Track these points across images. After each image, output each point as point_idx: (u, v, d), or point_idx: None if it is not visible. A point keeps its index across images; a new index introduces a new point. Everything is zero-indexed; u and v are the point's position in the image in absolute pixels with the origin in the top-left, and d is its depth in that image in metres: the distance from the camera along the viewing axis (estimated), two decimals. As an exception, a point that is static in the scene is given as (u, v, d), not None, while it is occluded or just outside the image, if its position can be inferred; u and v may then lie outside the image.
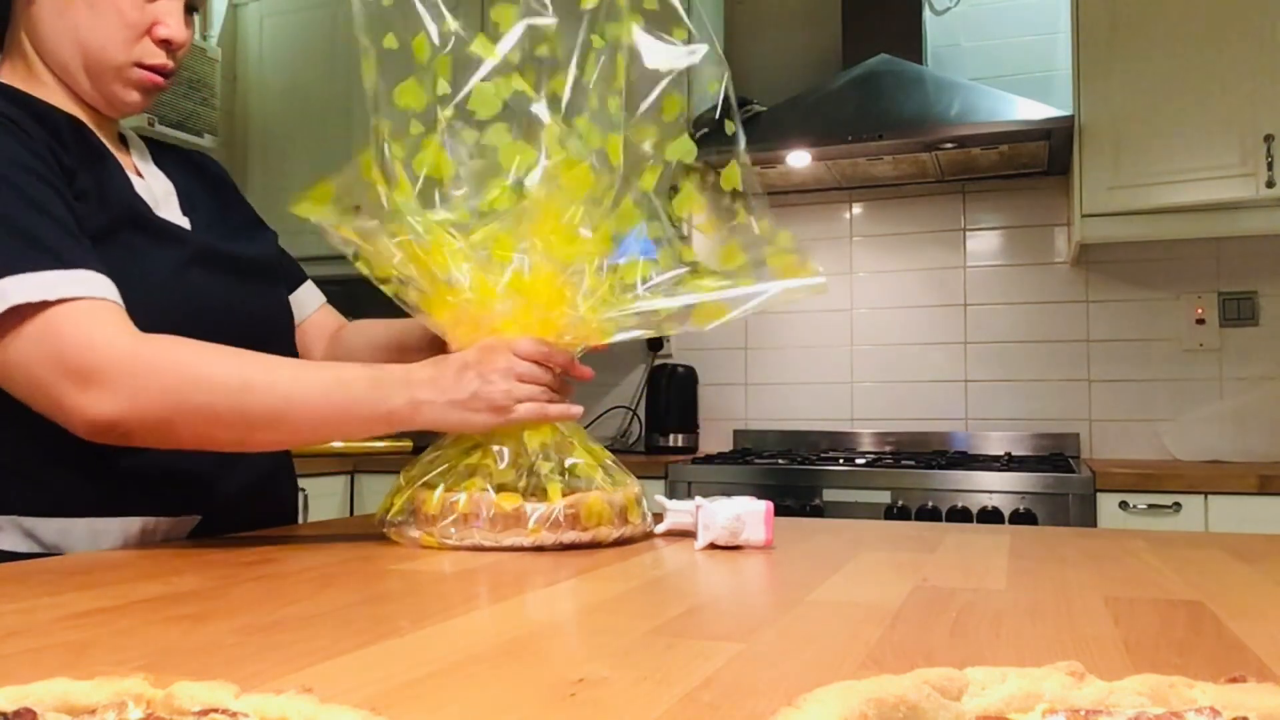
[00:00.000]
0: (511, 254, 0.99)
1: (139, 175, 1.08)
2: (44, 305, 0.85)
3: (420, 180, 1.00)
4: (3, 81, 1.01)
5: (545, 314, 1.00)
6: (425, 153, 1.01)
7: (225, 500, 1.05)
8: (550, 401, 0.98)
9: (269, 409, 0.91)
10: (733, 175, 1.03)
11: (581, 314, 1.00)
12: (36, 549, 0.95)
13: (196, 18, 1.10)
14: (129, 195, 1.01)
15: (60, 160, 0.95)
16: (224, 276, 1.07)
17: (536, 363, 0.98)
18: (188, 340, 0.91)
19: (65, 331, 0.85)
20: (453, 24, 1.01)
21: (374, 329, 1.27)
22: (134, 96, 1.05)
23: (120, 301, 0.91)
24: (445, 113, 1.01)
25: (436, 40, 1.01)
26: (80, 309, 0.86)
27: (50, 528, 0.95)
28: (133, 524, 0.98)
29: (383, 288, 1.04)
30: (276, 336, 1.14)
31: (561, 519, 0.94)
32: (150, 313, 0.93)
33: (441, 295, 1.00)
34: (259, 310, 1.11)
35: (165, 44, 1.04)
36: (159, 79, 1.05)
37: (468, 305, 1.00)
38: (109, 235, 0.95)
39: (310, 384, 0.93)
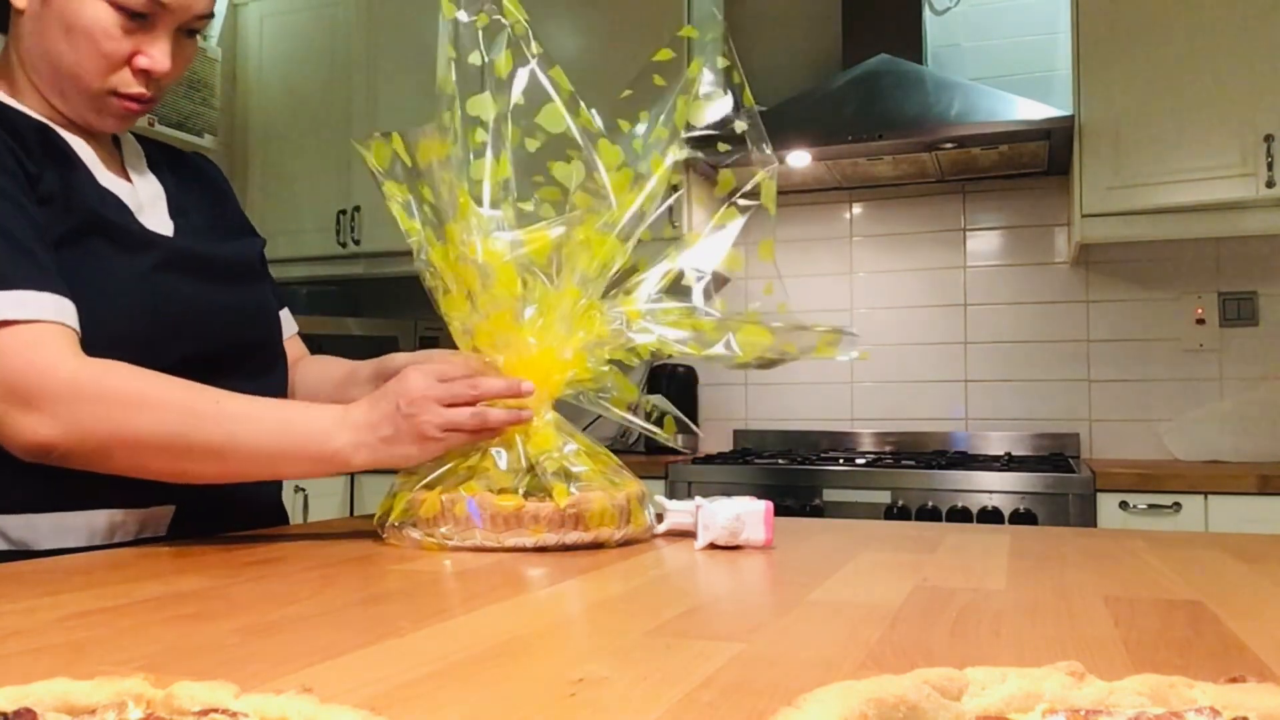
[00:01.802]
0: (546, 257, 1.00)
1: (127, 179, 1.07)
2: None
3: (481, 184, 1.02)
4: None
5: (568, 322, 1.00)
6: (482, 159, 1.02)
7: (198, 491, 1.03)
8: (484, 419, 0.95)
9: (211, 444, 0.90)
10: (768, 250, 1.12)
11: (609, 329, 1.01)
12: (3, 545, 0.95)
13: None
14: (96, 201, 0.99)
15: (23, 165, 0.94)
16: (198, 278, 1.05)
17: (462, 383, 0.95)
18: (133, 367, 0.91)
19: (6, 355, 0.86)
20: (536, 50, 1.05)
21: (330, 366, 1.25)
22: (109, 123, 1.03)
23: (73, 323, 0.90)
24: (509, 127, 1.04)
25: (515, 63, 1.05)
26: (25, 332, 0.87)
27: (16, 523, 0.95)
28: (98, 517, 0.97)
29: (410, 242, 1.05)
30: (257, 336, 1.13)
31: (564, 520, 0.94)
32: (114, 319, 0.93)
33: (466, 282, 1.01)
34: (238, 310, 1.09)
35: (145, 73, 1.00)
36: (136, 106, 1.02)
37: (491, 301, 1.00)
38: (73, 241, 0.95)
39: (255, 421, 0.92)
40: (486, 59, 1.03)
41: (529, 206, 1.05)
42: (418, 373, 0.96)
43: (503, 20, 1.04)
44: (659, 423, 1.10)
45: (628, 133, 1.06)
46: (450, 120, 1.02)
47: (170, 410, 0.89)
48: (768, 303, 1.10)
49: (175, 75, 1.04)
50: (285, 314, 1.27)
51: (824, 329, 1.07)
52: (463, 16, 1.03)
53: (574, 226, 1.01)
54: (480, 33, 1.03)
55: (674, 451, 2.95)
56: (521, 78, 1.04)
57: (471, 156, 1.02)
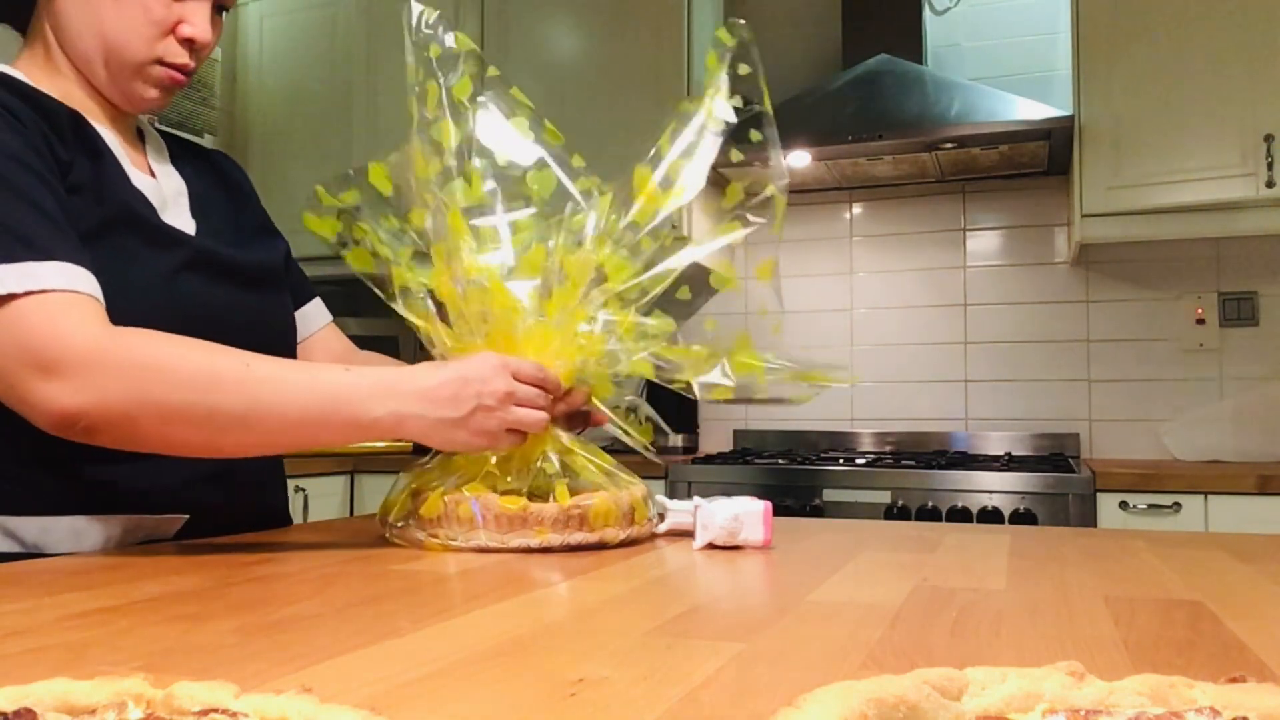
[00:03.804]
0: (540, 267, 1.00)
1: (150, 174, 1.07)
2: (14, 296, 0.83)
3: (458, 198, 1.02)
4: (7, 71, 0.99)
5: (566, 333, 1.00)
6: (456, 181, 1.03)
7: (212, 501, 1.04)
8: (543, 425, 0.96)
9: (237, 410, 0.86)
10: (766, 271, 1.12)
11: (603, 348, 1.01)
12: (16, 549, 0.94)
13: (225, 16, 1.08)
14: (126, 195, 0.99)
15: (55, 152, 0.94)
16: (220, 282, 1.04)
17: (535, 387, 0.96)
18: (159, 333, 0.88)
19: (32, 322, 0.83)
20: (492, 71, 1.06)
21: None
22: (153, 94, 1.03)
23: (98, 294, 0.89)
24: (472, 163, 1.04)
25: (474, 88, 1.05)
26: (51, 300, 0.84)
27: (31, 527, 0.94)
28: (114, 523, 0.97)
29: (378, 290, 1.05)
30: (274, 344, 1.11)
31: (568, 520, 0.94)
32: (136, 317, 0.92)
33: (458, 306, 1.00)
34: (256, 317, 1.09)
35: (189, 43, 1.02)
36: (180, 77, 1.03)
37: (487, 319, 0.99)
38: (101, 235, 0.94)
39: (286, 385, 0.89)
40: (442, 87, 1.03)
41: (519, 216, 1.06)
42: (500, 369, 0.94)
43: (455, 49, 1.04)
44: (647, 422, 1.09)
45: (663, 152, 1.06)
46: (420, 144, 1.03)
47: (192, 375, 0.86)
48: (764, 326, 1.10)
49: (209, 49, 1.05)
50: (317, 304, 1.26)
51: (815, 365, 1.06)
52: (416, 42, 1.04)
53: (567, 233, 1.01)
54: (435, 62, 1.03)
55: (674, 451, 2.95)
56: (483, 102, 1.04)
57: (443, 180, 1.02)
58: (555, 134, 1.06)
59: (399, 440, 0.96)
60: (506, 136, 1.05)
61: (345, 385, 0.90)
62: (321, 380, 0.91)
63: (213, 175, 1.16)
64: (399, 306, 1.04)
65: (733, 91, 1.07)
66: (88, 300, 0.87)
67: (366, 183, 1.06)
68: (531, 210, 1.03)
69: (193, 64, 1.04)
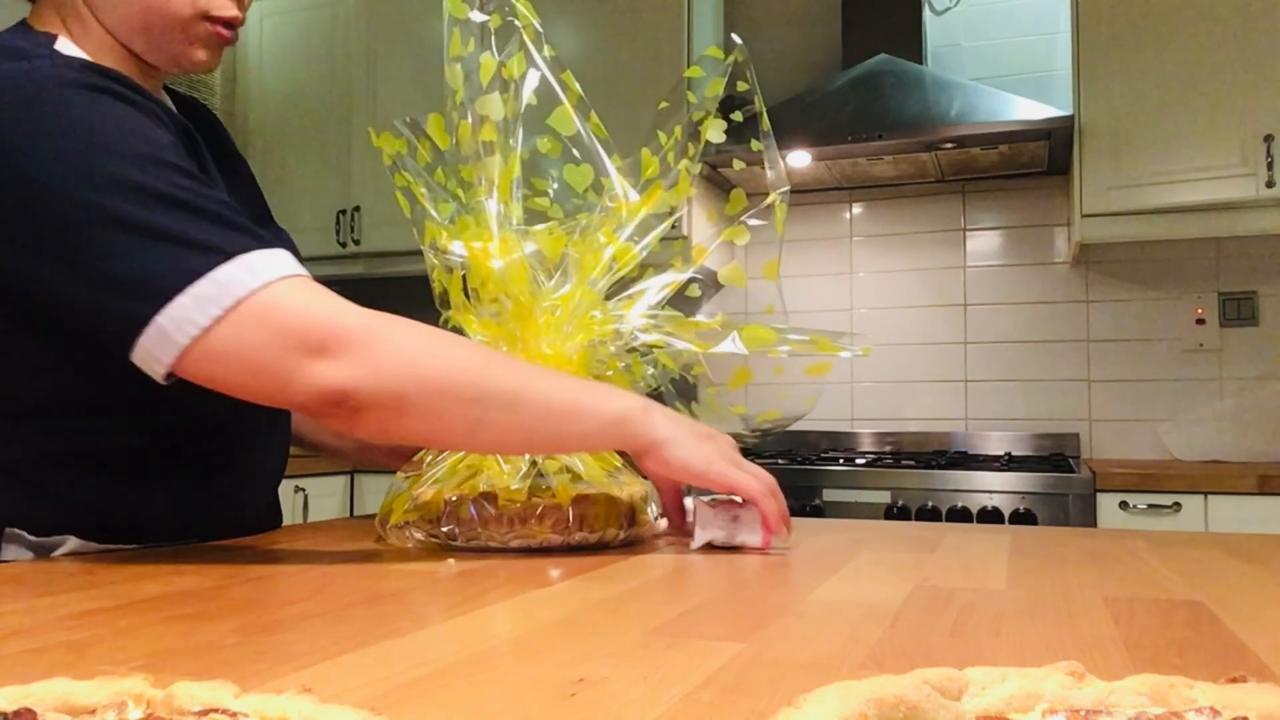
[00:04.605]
0: (560, 252, 1.00)
1: None
2: (268, 283, 0.82)
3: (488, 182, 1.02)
4: (101, 64, 0.93)
5: (575, 322, 1.00)
6: (493, 158, 1.02)
7: (222, 530, 1.04)
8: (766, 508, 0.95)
9: (506, 390, 0.86)
10: (772, 269, 1.15)
11: (612, 329, 1.01)
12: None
13: None
14: None
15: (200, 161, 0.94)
16: None
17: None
18: (407, 319, 0.88)
19: (290, 306, 0.82)
20: (549, 53, 1.05)
21: None
22: (201, 54, 0.98)
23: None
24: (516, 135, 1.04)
25: (527, 65, 1.05)
26: (299, 284, 0.84)
27: (60, 545, 0.93)
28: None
29: (425, 248, 1.04)
30: None
31: (568, 520, 0.94)
32: None
33: (481, 275, 1.00)
34: None
35: None
36: (227, 33, 0.98)
37: (506, 298, 1.00)
38: None
39: (548, 375, 0.92)
40: (498, 60, 1.02)
41: (544, 203, 1.06)
42: (728, 438, 0.98)
43: (515, 22, 1.04)
44: None
45: (665, 145, 1.06)
46: (458, 118, 1.02)
47: (467, 359, 0.87)
48: (767, 320, 1.12)
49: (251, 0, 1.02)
50: None
51: (826, 332, 1.08)
52: (475, 16, 1.03)
53: (590, 229, 1.01)
54: (493, 34, 1.03)
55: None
56: (532, 80, 1.03)
57: (482, 154, 1.02)
58: (600, 127, 1.06)
59: (631, 449, 0.93)
60: (551, 121, 1.04)
61: (592, 381, 0.96)
62: (580, 380, 0.95)
63: (216, 146, 1.11)
64: (426, 254, 1.03)
65: (730, 105, 1.07)
66: (317, 283, 0.87)
67: (419, 136, 1.04)
68: (565, 199, 1.04)
69: (240, 16, 0.99)
